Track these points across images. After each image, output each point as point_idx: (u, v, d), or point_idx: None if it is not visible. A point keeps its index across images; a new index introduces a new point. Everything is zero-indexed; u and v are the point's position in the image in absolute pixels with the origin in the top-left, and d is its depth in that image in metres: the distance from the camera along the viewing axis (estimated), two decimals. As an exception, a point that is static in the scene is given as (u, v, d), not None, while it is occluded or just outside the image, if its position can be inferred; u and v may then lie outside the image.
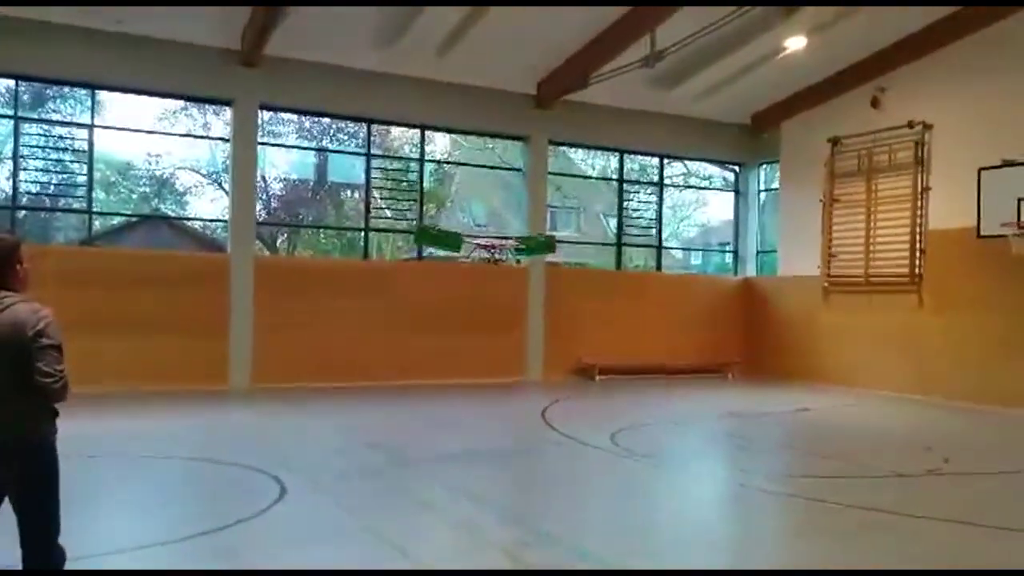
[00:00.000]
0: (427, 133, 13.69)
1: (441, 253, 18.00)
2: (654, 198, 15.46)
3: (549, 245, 13.36)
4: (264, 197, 16.98)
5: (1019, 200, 10.11)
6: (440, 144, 16.78)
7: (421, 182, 13.52)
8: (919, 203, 12.43)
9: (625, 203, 15.15)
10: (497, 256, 12.99)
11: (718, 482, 7.08)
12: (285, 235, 20.12)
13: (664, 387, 13.18)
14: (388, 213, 14.00)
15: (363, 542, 4.70)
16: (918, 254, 12.42)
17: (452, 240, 13.12)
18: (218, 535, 4.71)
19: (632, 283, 15.04)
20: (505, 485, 6.59)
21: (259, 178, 14.49)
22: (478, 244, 13.32)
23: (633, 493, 6.23)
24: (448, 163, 18.42)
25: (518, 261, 13.53)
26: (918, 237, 12.44)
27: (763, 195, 16.20)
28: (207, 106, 13.27)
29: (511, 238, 13.37)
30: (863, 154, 13.26)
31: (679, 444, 8.81)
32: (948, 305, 11.91)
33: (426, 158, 13.81)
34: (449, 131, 14.19)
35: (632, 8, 11.07)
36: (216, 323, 11.42)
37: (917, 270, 12.43)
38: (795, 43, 12.12)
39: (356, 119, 13.22)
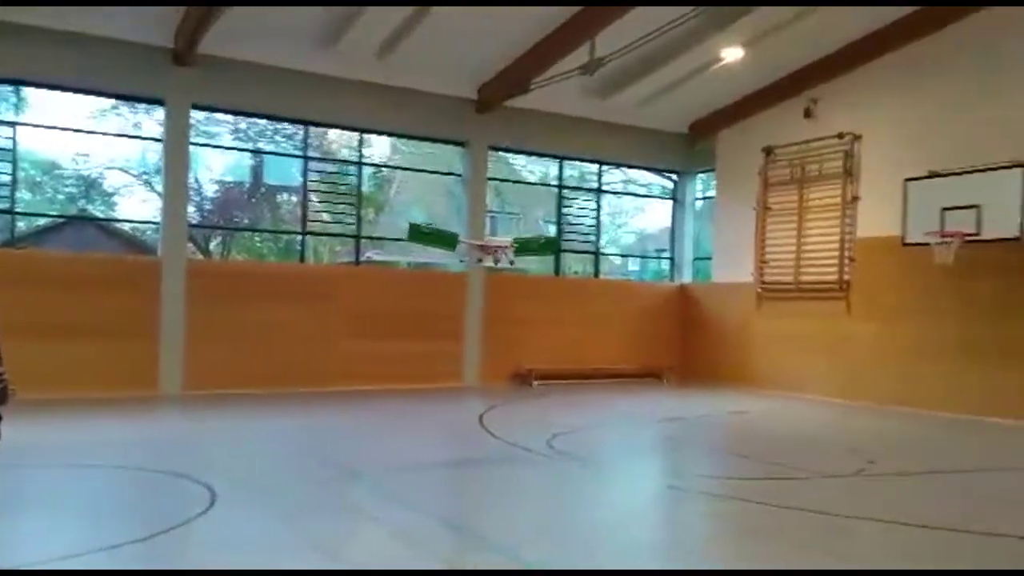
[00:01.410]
0: (366, 136, 13.56)
1: (380, 258, 17.81)
2: (593, 205, 15.60)
3: (552, 246, 13.18)
4: (197, 199, 16.56)
5: (942, 210, 10.49)
6: (379, 148, 16.62)
7: (360, 186, 13.38)
8: (848, 212, 12.82)
9: (564, 209, 15.25)
10: (499, 259, 12.78)
11: (653, 485, 7.14)
12: (219, 238, 19.68)
13: (601, 392, 13.28)
14: (326, 217, 13.81)
15: (294, 550, 4.59)
16: (846, 261, 12.80)
17: (446, 239, 12.86)
18: (145, 544, 4.55)
19: (570, 289, 15.14)
20: (442, 491, 6.53)
21: (192, 180, 14.13)
22: (475, 245, 13.13)
23: (570, 497, 6.24)
24: (387, 167, 18.29)
25: (512, 263, 13.33)
26: (846, 245, 12.82)
27: (700, 203, 16.50)
28: (138, 105, 12.88)
29: (509, 240, 13.16)
30: (796, 163, 13.62)
31: (615, 448, 8.88)
32: (875, 311, 12.30)
33: (365, 162, 13.67)
34: (388, 135, 14.07)
35: (573, 15, 11.14)
36: (146, 327, 11.10)
37: (845, 277, 12.80)
38: (731, 54, 12.38)
39: (293, 121, 13.01)
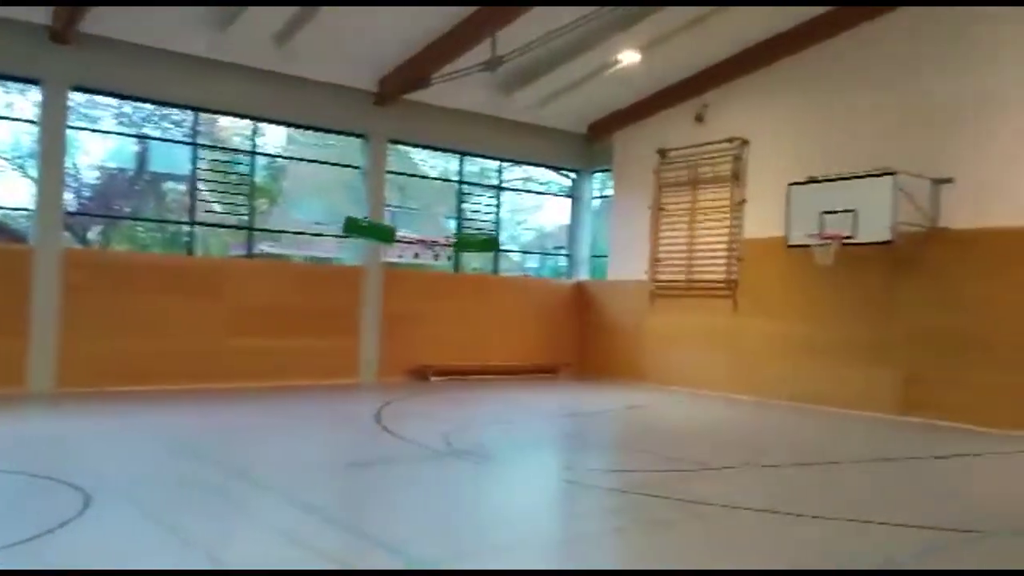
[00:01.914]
0: (260, 125, 13.13)
1: (274, 251, 17.31)
2: (493, 201, 15.63)
3: (492, 244, 12.97)
4: (75, 186, 15.64)
5: (822, 213, 11.02)
6: (274, 137, 16.11)
7: (252, 176, 12.95)
8: (736, 214, 13.31)
9: (464, 205, 15.22)
10: (437, 255, 12.57)
11: (548, 479, 7.21)
12: (100, 227, 18.62)
13: (499, 387, 13.33)
14: (216, 207, 13.29)
15: (170, 552, 4.39)
16: (734, 261, 13.29)
17: (384, 233, 12.50)
18: (13, 550, 4.25)
19: (469, 285, 15.13)
20: (333, 490, 6.39)
21: (70, 165, 13.34)
22: (414, 241, 12.86)
23: (465, 493, 6.23)
24: (282, 157, 17.75)
25: (449, 258, 13.10)
26: (734, 245, 13.32)
27: (597, 201, 16.79)
28: (11, 84, 12.05)
29: (448, 236, 12.96)
30: (688, 166, 14.04)
31: (511, 443, 8.91)
32: (760, 309, 12.82)
33: (258, 151, 13.24)
34: (284, 124, 13.66)
35: (474, 11, 11.12)
36: (14, 320, 10.41)
37: (733, 276, 13.29)
38: (628, 57, 12.64)
39: (182, 107, 12.46)
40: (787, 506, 5.87)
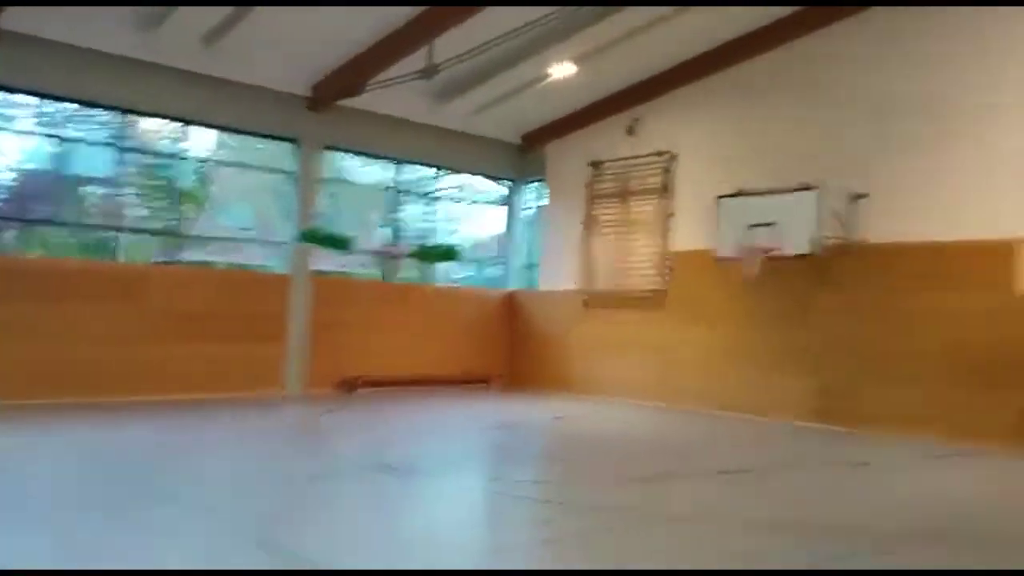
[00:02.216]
0: (188, 128, 12.82)
1: (197, 258, 16.86)
2: (428, 209, 15.59)
3: (453, 254, 12.83)
4: (-11, 187, 14.98)
5: (748, 226, 11.36)
6: (202, 141, 15.74)
7: (179, 180, 12.62)
8: (666, 226, 13.61)
9: (399, 213, 15.14)
10: (398, 264, 12.49)
11: (476, 491, 7.20)
12: (15, 232, 17.84)
13: (428, 398, 13.27)
14: (140, 212, 12.90)
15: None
16: (664, 272, 13.58)
17: (341, 242, 12.35)
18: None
19: (400, 294, 15.02)
20: (255, 506, 6.21)
21: (-16, 165, 12.78)
22: (375, 251, 12.76)
23: (390, 506, 6.17)
24: (210, 162, 17.35)
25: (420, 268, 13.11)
26: (665, 257, 13.61)
27: (531, 211, 16.92)
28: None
29: (406, 246, 12.90)
30: (620, 178, 14.30)
31: (441, 454, 8.87)
32: (689, 320, 13.12)
33: (185, 155, 12.91)
34: (213, 128, 13.37)
35: (411, 19, 11.10)
36: (-78, 328, 9.89)
37: (663, 287, 13.57)
38: (563, 69, 12.82)
39: (106, 107, 12.08)
40: (712, 515, 6.02)
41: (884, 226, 10.95)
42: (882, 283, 10.96)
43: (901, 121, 10.95)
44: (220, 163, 17.10)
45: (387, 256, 12.83)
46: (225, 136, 15.18)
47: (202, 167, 18.24)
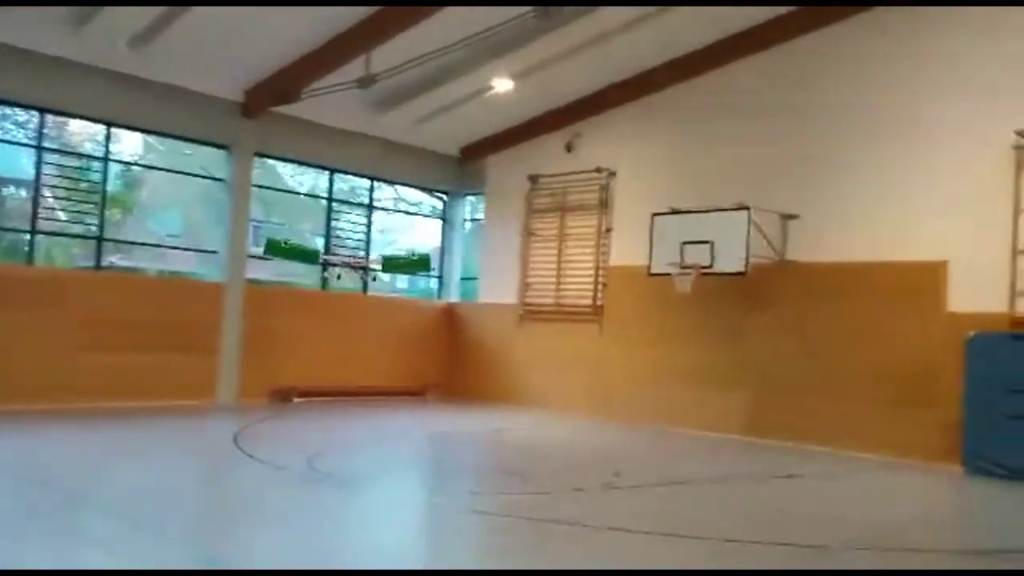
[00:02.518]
0: (115, 131, 12.40)
1: (124, 263, 16.33)
2: (363, 220, 15.41)
3: (424, 264, 12.67)
4: (-102, 186, 14.29)
5: (682, 244, 11.53)
6: (130, 144, 15.27)
7: (105, 184, 12.18)
8: (603, 241, 13.74)
9: (333, 223, 14.92)
10: (363, 276, 12.26)
11: (414, 502, 7.12)
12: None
13: (365, 409, 13.08)
14: (62, 215, 12.41)
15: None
16: (600, 287, 13.69)
17: (307, 255, 12.13)
18: None
19: (337, 304, 14.78)
20: (190, 516, 6.04)
21: None
22: (344, 263, 12.85)
23: (328, 517, 6.05)
24: (137, 166, 16.83)
25: (374, 279, 12.95)
26: (601, 272, 13.72)
27: (468, 224, 16.88)
28: None
29: (376, 257, 12.79)
30: (558, 193, 14.38)
31: (377, 466, 8.75)
32: (623, 334, 13.24)
33: (112, 158, 12.47)
34: (141, 131, 12.98)
35: (349, 27, 10.98)
36: None
37: (599, 302, 13.68)
38: (502, 84, 12.85)
39: (26, 107, 11.60)
40: (646, 525, 6.06)
41: (814, 246, 11.26)
42: (812, 302, 11.25)
43: (833, 144, 11.28)
44: (148, 167, 16.64)
45: (355, 267, 12.83)
46: (154, 140, 14.78)
47: (129, 171, 17.73)
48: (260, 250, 14.02)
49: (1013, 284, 9.61)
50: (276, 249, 11.96)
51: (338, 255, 14.02)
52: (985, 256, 9.80)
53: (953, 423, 9.70)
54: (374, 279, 13.66)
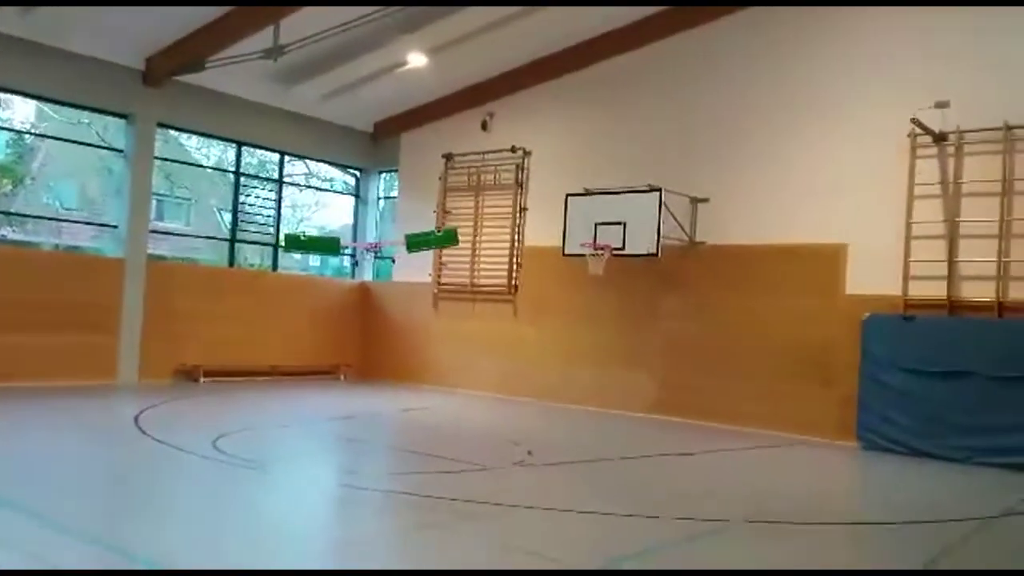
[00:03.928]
0: (6, 97, 11.67)
1: (16, 237, 15.51)
2: (273, 195, 14.99)
3: (451, 238, 12.06)
4: None
5: (596, 224, 11.65)
6: (22, 112, 14.41)
7: (-8, 152, 11.47)
8: (518, 221, 13.75)
9: (242, 198, 14.46)
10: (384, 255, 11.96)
11: (324, 484, 7.01)
12: None
13: (275, 389, 12.79)
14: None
15: None
16: (515, 267, 13.72)
17: (328, 245, 11.56)
18: None
19: (246, 282, 14.39)
20: (87, 502, 5.76)
21: None
22: (364, 247, 13.43)
23: (235, 501, 5.89)
24: (30, 134, 15.91)
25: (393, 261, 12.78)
26: (516, 252, 13.74)
27: (382, 202, 16.64)
28: None
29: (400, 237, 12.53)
30: (473, 172, 14.30)
31: (286, 447, 8.59)
32: (538, 314, 13.33)
33: (1, 125, 11.74)
34: (35, 98, 12.25)
35: (257, -5, 10.61)
36: None
37: (514, 282, 13.71)
38: (415, 59, 12.66)
39: (-98, 67, 10.79)
40: (557, 502, 6.13)
41: (723, 229, 11.54)
42: (719, 283, 11.55)
43: (743, 129, 11.55)
44: (41, 136, 15.76)
45: (373, 252, 12.88)
46: (48, 108, 14.00)
47: (21, 140, 16.74)
48: (165, 225, 13.51)
49: (906, 267, 10.08)
50: (295, 243, 11.58)
51: (354, 244, 14.56)
52: (881, 240, 10.23)
53: (850, 400, 10.16)
54: (393, 261, 13.53)
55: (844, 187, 10.61)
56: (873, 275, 10.30)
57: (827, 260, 10.67)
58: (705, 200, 11.74)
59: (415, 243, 12.62)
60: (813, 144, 10.98)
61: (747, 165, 11.48)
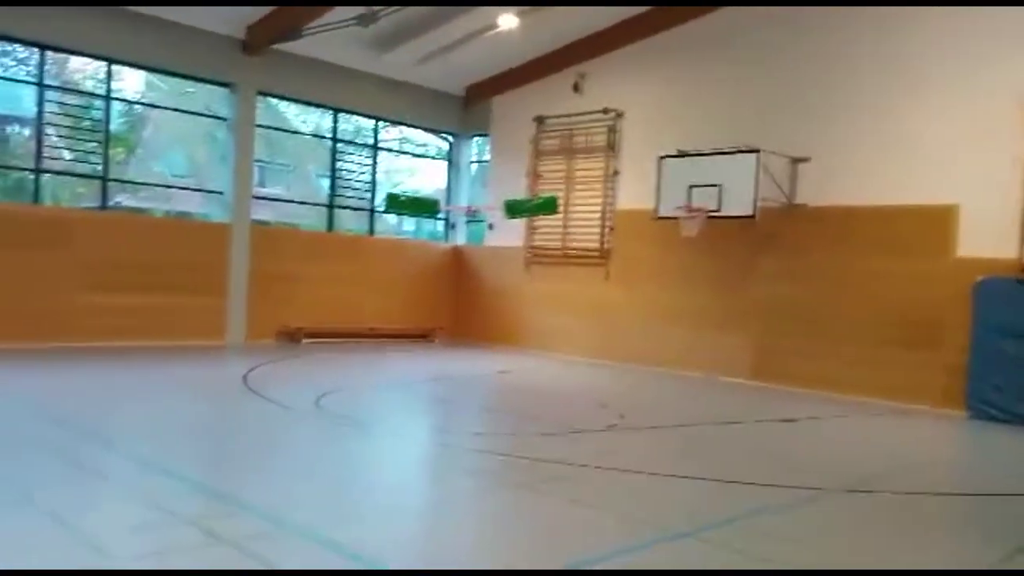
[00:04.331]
0: (117, 69, 12.23)
1: (130, 204, 16.31)
2: (368, 161, 15.29)
3: (551, 205, 12.32)
4: (-99, 124, 14.20)
5: (689, 187, 11.42)
6: (132, 83, 15.08)
7: (107, 122, 12.07)
8: (610, 184, 13.61)
9: (338, 164, 14.81)
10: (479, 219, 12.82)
11: (421, 443, 7.22)
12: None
13: (372, 351, 13.19)
14: (66, 155, 12.34)
15: (25, 520, 4.09)
16: (607, 231, 13.62)
17: (426, 206, 12.11)
18: None
19: (344, 246, 14.80)
20: (201, 455, 6.15)
21: None
22: (461, 210, 13.77)
23: (337, 458, 6.14)
24: (140, 104, 16.64)
25: (491, 226, 13.51)
26: (607, 215, 13.63)
27: (474, 166, 16.74)
28: None
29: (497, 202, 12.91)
30: (564, 134, 14.20)
31: (384, 407, 8.86)
32: (630, 278, 13.22)
33: (113, 96, 12.33)
34: (143, 68, 12.80)
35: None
36: None
37: (606, 245, 13.62)
38: (507, 21, 12.57)
39: (25, 43, 11.43)
40: (651, 466, 6.13)
41: (824, 190, 11.12)
42: (820, 246, 11.17)
43: (845, 87, 11.05)
44: (150, 106, 16.47)
45: (470, 215, 13.26)
46: (156, 78, 14.60)
47: (132, 110, 17.55)
48: (267, 191, 13.97)
49: (1023, 230, 9.50)
50: (395, 203, 11.96)
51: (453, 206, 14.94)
52: (996, 201, 9.67)
53: (958, 368, 9.72)
54: (491, 227, 13.75)
55: (957, 146, 10.04)
56: (987, 237, 9.76)
57: (937, 221, 10.17)
58: (806, 160, 11.32)
59: (513, 209, 12.64)
60: (926, 101, 10.41)
61: (852, 123, 10.99)
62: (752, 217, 10.90)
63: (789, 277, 11.42)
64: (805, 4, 11.35)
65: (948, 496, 6.09)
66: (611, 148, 13.62)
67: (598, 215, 13.73)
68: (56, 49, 11.56)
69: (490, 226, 13.80)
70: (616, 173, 13.55)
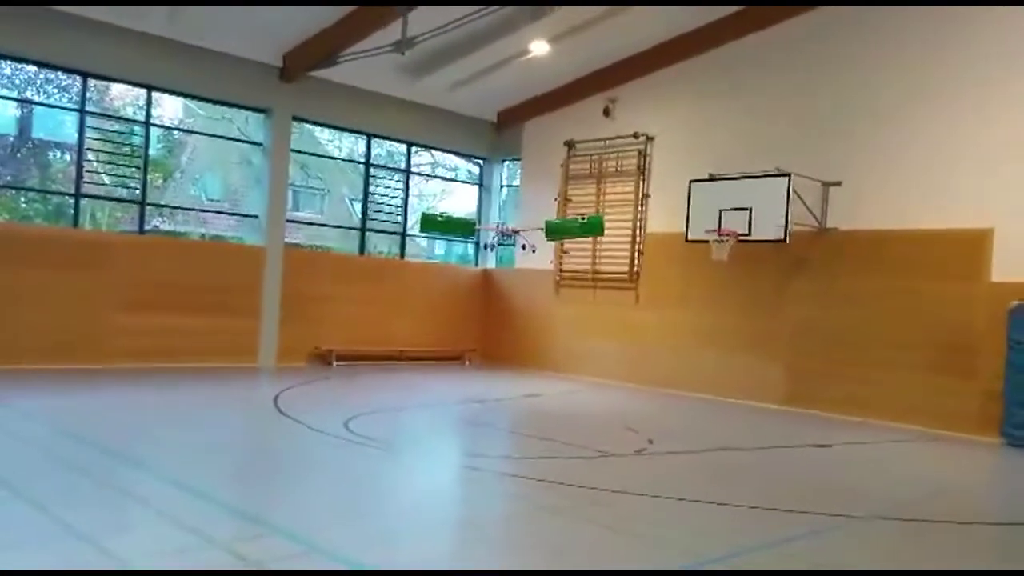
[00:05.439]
0: (156, 96, 12.55)
1: (167, 227, 16.63)
2: (400, 185, 15.47)
3: (595, 227, 12.16)
4: (-52, 150, 14.64)
5: (720, 211, 11.39)
6: (171, 109, 15.44)
7: (147, 148, 12.37)
8: (640, 208, 13.62)
9: (371, 188, 15.00)
10: (525, 245, 13.01)
11: (450, 466, 7.23)
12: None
13: (402, 374, 13.25)
14: (106, 179, 12.65)
15: (57, 543, 4.17)
16: (637, 255, 13.61)
17: (462, 227, 12.28)
18: None
19: (375, 269, 14.94)
20: (231, 477, 6.22)
21: (-57, 127, 12.42)
22: (498, 231, 13.97)
23: (366, 480, 6.17)
24: (178, 130, 17.02)
25: (534, 250, 13.31)
26: (638, 239, 13.63)
27: (505, 190, 16.85)
28: None
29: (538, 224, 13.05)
30: (595, 159, 14.26)
31: (414, 429, 8.90)
32: (660, 301, 13.18)
33: (153, 122, 12.63)
34: (181, 95, 13.11)
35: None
36: None
37: (636, 269, 13.61)
38: (538, 48, 12.71)
39: (68, 70, 11.78)
40: (681, 492, 6.09)
41: (855, 214, 11.04)
42: (852, 270, 11.06)
43: (877, 111, 10.99)
44: (188, 132, 16.85)
45: (506, 236, 13.42)
46: (194, 104, 14.94)
47: (170, 136, 17.96)
48: (300, 214, 14.17)
49: (1062, 254, 9.35)
50: (431, 223, 12.08)
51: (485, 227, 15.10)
52: (1033, 225, 9.53)
53: (993, 394, 9.54)
54: (532, 250, 13.33)
55: (992, 170, 9.93)
56: (1021, 262, 9.60)
57: (970, 246, 10.03)
58: (837, 184, 11.25)
59: (557, 231, 12.65)
60: (959, 124, 10.31)
61: (883, 147, 10.92)
62: (783, 241, 10.83)
63: (820, 301, 11.31)
64: (844, 4, 11.31)
65: (982, 525, 5.96)
66: (641, 172, 13.64)
67: (628, 239, 13.73)
68: (98, 77, 11.89)
69: (531, 248, 13.53)
70: (646, 197, 13.56)
